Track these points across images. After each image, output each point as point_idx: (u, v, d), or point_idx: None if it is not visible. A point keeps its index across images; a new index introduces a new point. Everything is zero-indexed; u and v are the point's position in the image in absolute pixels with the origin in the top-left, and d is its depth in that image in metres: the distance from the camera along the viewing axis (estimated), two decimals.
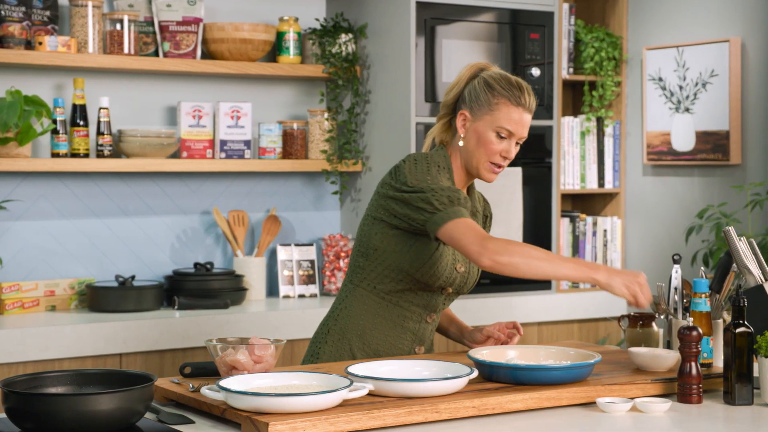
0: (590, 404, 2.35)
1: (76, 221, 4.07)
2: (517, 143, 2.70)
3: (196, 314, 3.86)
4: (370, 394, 2.25)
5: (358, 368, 2.35)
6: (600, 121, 4.77)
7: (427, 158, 2.68)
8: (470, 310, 4.27)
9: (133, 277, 3.97)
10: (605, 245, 4.75)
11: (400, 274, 2.68)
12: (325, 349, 2.76)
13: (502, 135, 2.66)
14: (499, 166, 2.69)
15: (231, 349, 2.35)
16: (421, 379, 2.23)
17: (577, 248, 4.67)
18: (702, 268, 2.78)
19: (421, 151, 2.76)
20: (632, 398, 2.37)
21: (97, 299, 3.90)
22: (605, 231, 4.76)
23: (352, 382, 2.19)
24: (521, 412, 2.28)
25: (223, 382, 2.18)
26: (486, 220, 2.90)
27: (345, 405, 2.15)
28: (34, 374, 2.19)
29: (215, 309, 3.95)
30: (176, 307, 3.97)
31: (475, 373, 2.33)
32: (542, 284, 4.51)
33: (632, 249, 4.78)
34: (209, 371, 2.45)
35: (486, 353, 2.51)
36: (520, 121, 2.66)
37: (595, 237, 4.73)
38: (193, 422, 2.18)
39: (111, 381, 2.21)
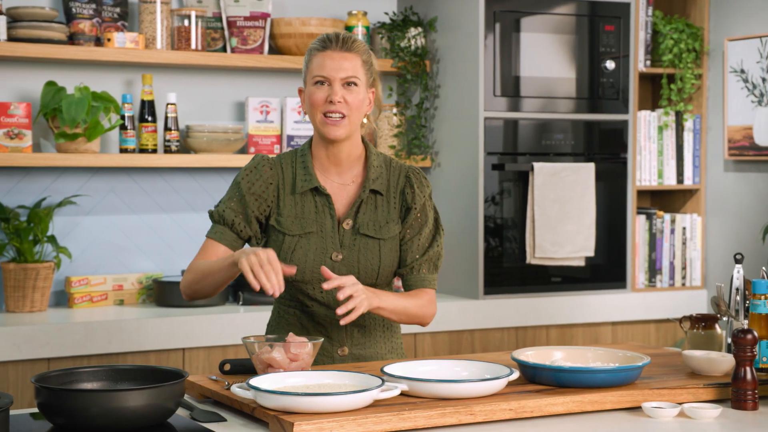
0: (636, 409, 2.26)
1: (144, 216, 4.10)
2: (349, 85, 2.52)
3: (259, 310, 3.85)
4: (405, 394, 2.20)
5: (394, 368, 2.30)
6: (679, 116, 4.62)
7: (245, 165, 2.60)
8: (539, 309, 4.19)
9: None
10: (684, 243, 4.61)
11: None
12: None
13: (320, 82, 2.52)
14: (333, 117, 2.51)
15: (267, 346, 2.32)
16: (457, 380, 2.17)
17: (653, 246, 4.54)
18: (763, 268, 2.65)
19: (261, 154, 2.63)
20: (682, 403, 2.27)
21: (163, 294, 3.92)
22: (684, 229, 4.61)
23: (383, 382, 2.14)
24: (561, 416, 2.20)
25: (254, 381, 2.15)
26: (406, 199, 2.61)
27: (376, 405, 2.11)
28: (70, 369, 2.20)
29: None
30: (240, 302, 3.97)
31: (516, 375, 2.26)
32: (616, 282, 4.39)
33: (713, 247, 4.63)
34: (248, 368, 2.43)
35: (530, 354, 2.43)
36: (329, 61, 2.51)
37: (673, 235, 4.59)
38: (225, 420, 2.16)
39: (145, 377, 2.21)
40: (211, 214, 2.60)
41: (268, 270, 2.30)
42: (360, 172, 2.62)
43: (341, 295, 2.38)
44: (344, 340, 2.62)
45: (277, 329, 2.64)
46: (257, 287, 2.30)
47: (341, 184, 2.60)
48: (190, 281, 2.55)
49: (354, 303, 2.38)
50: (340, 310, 2.38)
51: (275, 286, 2.30)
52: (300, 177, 2.57)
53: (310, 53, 2.57)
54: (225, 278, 2.47)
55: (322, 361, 2.60)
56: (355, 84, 2.53)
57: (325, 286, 2.39)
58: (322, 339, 2.38)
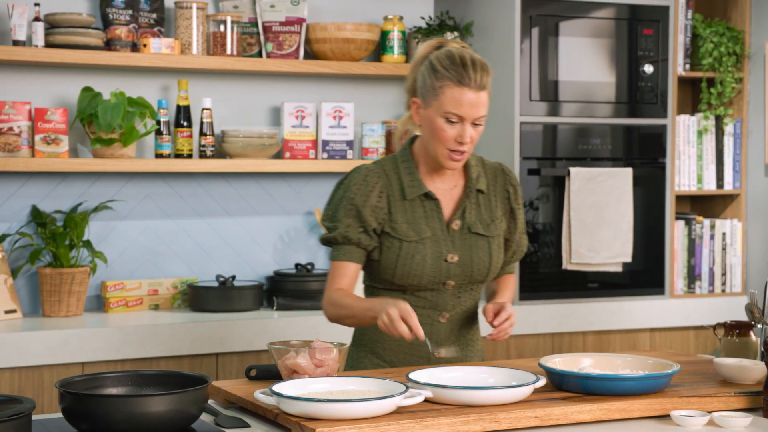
0: (665, 417, 2.23)
1: (179, 221, 4.12)
2: (476, 124, 2.52)
3: (293, 315, 3.85)
4: (430, 401, 2.18)
5: (419, 374, 2.29)
6: (719, 120, 4.56)
7: (348, 179, 2.61)
8: (575, 315, 4.15)
9: (233, 278, 3.99)
10: (724, 249, 4.54)
11: (385, 283, 2.63)
12: (349, 363, 2.73)
13: (452, 120, 2.49)
14: (460, 153, 2.52)
15: (292, 352, 2.31)
16: (482, 387, 2.15)
17: (693, 252, 4.48)
18: None
19: (362, 165, 2.64)
20: (711, 412, 2.23)
21: (198, 299, 3.93)
22: (724, 234, 4.54)
23: (407, 389, 2.12)
24: (588, 424, 2.17)
25: (276, 387, 2.14)
26: (509, 197, 2.70)
27: (400, 412, 2.09)
28: (94, 374, 2.20)
29: (313, 310, 3.93)
30: (275, 307, 3.97)
31: (542, 382, 2.24)
32: (655, 288, 4.34)
33: (753, 253, 4.56)
34: (274, 374, 2.43)
35: (558, 361, 2.40)
36: (467, 102, 2.47)
37: (712, 240, 4.53)
38: (248, 426, 2.15)
39: (169, 383, 2.21)
40: (332, 239, 2.60)
41: (398, 325, 2.36)
42: (460, 173, 2.66)
43: (497, 322, 2.53)
44: (443, 342, 2.66)
45: (372, 336, 2.67)
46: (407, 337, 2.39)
47: (444, 189, 2.64)
48: (335, 316, 2.59)
49: (509, 329, 2.53)
50: (495, 333, 2.52)
51: (406, 333, 2.37)
52: (407, 183, 2.60)
53: (441, 80, 2.50)
54: (366, 324, 2.57)
55: (419, 362, 2.65)
56: (482, 119, 2.54)
57: (496, 322, 2.51)
58: (348, 344, 2.37)
